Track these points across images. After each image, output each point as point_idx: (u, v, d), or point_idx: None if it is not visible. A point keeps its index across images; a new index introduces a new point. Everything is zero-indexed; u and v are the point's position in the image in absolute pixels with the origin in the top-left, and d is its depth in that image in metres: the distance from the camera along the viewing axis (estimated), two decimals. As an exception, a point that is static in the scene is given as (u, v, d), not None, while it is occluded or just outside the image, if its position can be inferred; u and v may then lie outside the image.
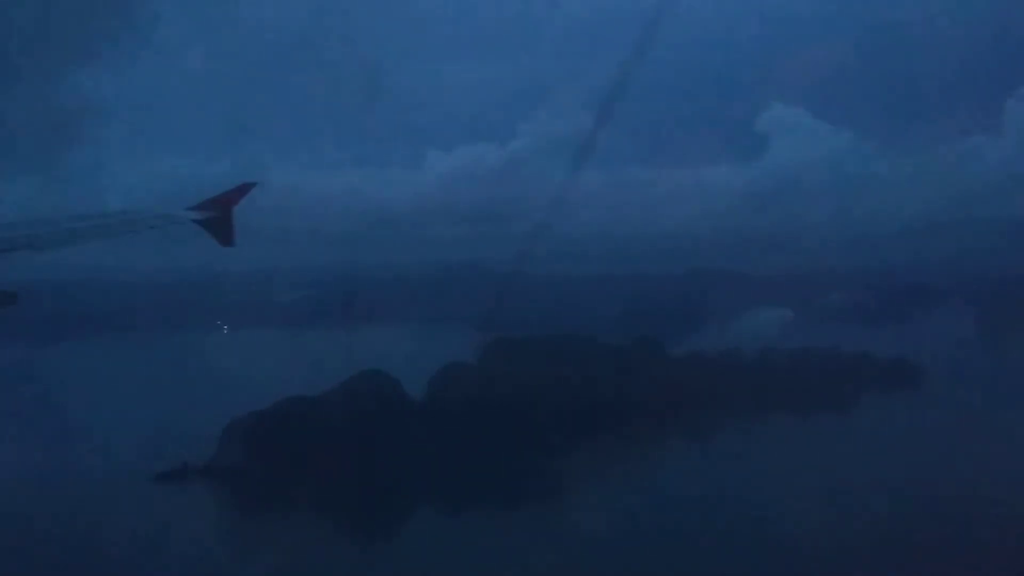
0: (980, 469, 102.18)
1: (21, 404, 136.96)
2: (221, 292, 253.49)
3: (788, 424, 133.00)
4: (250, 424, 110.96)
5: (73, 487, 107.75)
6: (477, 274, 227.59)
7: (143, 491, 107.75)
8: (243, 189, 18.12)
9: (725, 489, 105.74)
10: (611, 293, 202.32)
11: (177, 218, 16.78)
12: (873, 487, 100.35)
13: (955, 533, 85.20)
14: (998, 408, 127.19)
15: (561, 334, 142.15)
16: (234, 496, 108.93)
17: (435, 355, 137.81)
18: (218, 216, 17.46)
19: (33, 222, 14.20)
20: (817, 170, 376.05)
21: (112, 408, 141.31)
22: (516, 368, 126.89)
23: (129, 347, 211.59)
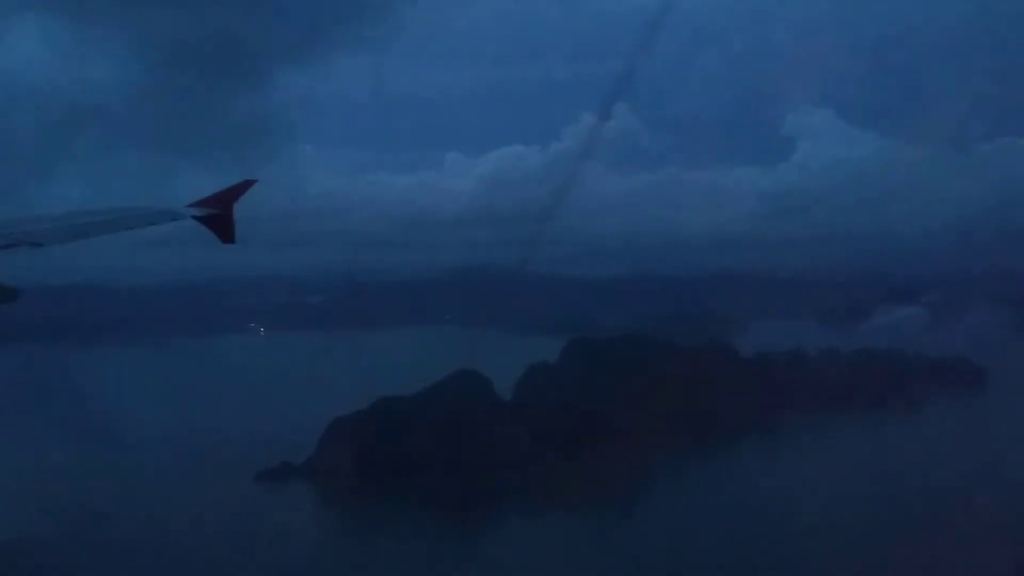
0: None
1: (104, 405, 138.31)
2: (249, 295, 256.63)
3: (853, 423, 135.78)
4: (352, 422, 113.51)
5: (172, 485, 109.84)
6: (512, 277, 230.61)
7: (244, 489, 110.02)
8: (243, 186, 18.15)
9: (802, 486, 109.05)
10: (654, 295, 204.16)
11: (178, 215, 16.80)
12: (930, 486, 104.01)
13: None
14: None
15: (631, 335, 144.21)
16: (335, 493, 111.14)
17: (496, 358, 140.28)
18: (219, 213, 17.52)
19: (34, 218, 14.15)
20: (853, 172, 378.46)
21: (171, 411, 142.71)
22: (597, 370, 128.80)
23: (178, 349, 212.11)
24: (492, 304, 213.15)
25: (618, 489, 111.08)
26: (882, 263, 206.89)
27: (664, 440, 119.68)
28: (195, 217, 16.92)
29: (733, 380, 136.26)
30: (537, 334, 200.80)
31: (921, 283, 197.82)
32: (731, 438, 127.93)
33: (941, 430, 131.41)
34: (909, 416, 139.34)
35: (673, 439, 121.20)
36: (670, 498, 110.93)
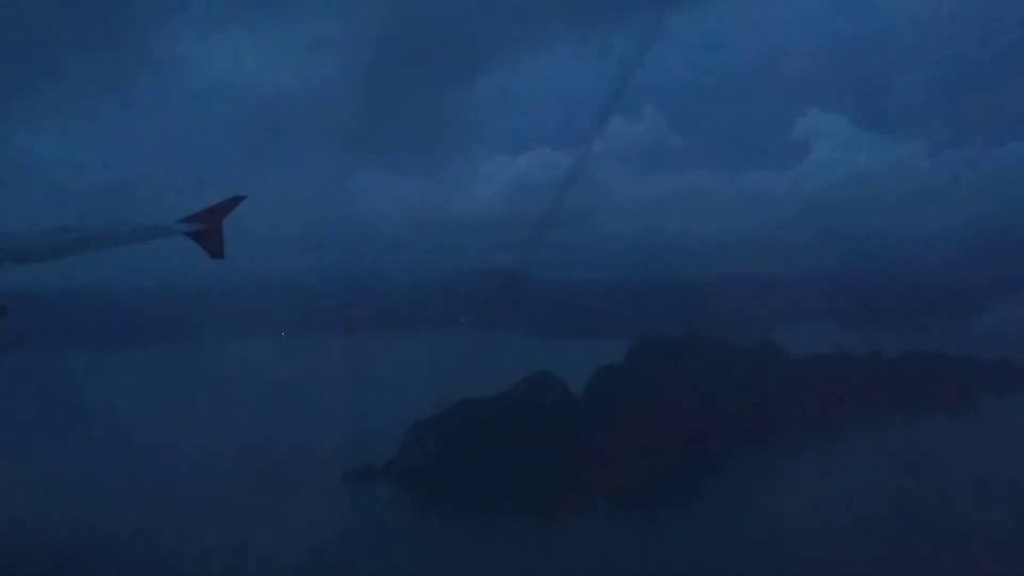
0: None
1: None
2: (255, 301, 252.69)
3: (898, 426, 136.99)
4: (431, 424, 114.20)
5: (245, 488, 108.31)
6: (532, 280, 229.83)
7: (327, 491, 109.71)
8: (232, 202, 18.29)
9: (858, 489, 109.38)
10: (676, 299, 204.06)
11: (167, 230, 17.07)
12: (977, 490, 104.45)
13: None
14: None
15: (693, 336, 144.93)
16: (415, 495, 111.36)
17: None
18: (208, 229, 17.74)
19: (21, 234, 14.30)
20: (869, 176, 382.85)
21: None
22: (666, 371, 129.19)
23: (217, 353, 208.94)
24: (511, 307, 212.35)
25: (688, 491, 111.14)
26: (911, 266, 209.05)
27: (719, 441, 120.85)
28: (185, 233, 17.04)
29: (785, 382, 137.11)
30: (560, 337, 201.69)
31: (951, 285, 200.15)
32: (791, 439, 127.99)
33: (985, 432, 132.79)
34: (953, 418, 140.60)
35: (724, 440, 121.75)
36: (738, 499, 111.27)
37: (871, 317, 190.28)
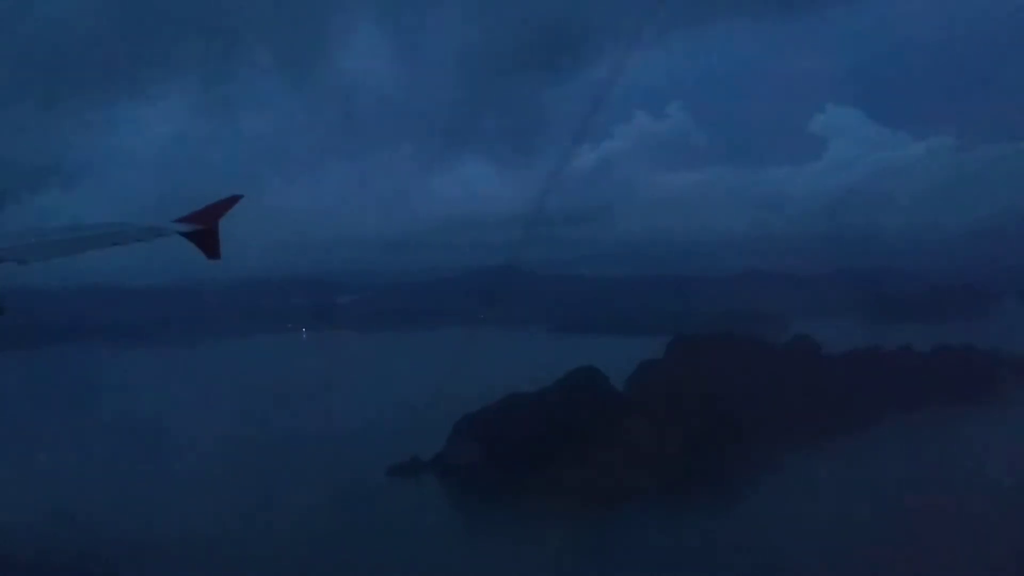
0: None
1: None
2: (267, 298, 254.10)
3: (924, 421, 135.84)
4: (479, 418, 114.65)
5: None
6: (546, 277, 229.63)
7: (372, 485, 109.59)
8: (229, 202, 18.26)
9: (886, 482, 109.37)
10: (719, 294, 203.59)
11: (164, 230, 16.96)
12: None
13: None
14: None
15: (723, 332, 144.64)
16: (464, 488, 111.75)
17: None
18: (205, 229, 17.64)
19: (18, 233, 14.39)
20: (891, 171, 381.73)
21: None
22: (699, 366, 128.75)
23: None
24: (527, 303, 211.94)
25: (728, 485, 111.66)
26: (938, 260, 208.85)
27: (753, 436, 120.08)
28: (181, 233, 17.08)
29: (815, 376, 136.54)
30: (580, 333, 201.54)
31: (977, 280, 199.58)
32: (827, 433, 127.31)
33: (1014, 428, 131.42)
34: (983, 412, 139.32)
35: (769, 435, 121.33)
36: (787, 493, 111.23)
37: (903, 312, 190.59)
